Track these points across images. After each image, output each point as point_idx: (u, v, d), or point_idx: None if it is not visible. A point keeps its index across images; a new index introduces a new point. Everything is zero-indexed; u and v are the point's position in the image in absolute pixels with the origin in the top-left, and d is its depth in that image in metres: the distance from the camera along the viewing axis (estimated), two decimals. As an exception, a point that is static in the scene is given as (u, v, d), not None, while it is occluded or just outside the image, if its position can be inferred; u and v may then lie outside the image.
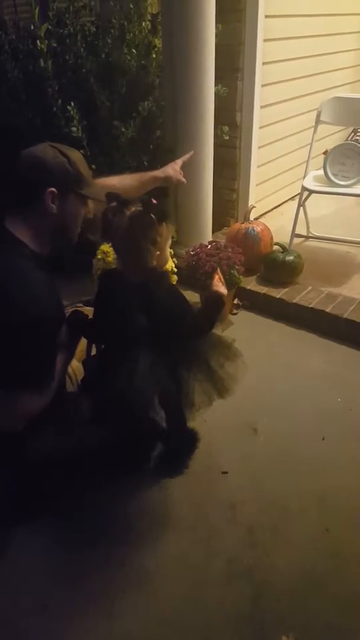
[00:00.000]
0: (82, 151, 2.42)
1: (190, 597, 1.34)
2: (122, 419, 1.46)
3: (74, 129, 2.33)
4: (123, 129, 2.40)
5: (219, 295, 1.42)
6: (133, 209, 1.26)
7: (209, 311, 1.42)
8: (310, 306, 2.40)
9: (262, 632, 1.26)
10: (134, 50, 2.43)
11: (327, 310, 2.36)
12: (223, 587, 1.36)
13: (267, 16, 2.63)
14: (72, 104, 2.29)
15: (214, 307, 1.42)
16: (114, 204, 1.27)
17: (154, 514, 1.56)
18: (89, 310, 1.52)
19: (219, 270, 1.50)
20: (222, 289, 1.44)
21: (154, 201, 1.30)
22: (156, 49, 2.50)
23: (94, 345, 1.52)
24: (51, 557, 1.44)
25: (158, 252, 1.32)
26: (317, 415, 1.91)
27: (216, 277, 1.47)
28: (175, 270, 2.28)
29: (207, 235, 2.79)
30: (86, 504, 1.56)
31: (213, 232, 2.88)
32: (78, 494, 1.50)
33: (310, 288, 2.54)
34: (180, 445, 1.68)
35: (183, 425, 1.52)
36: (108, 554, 1.44)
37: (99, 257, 2.29)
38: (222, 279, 1.48)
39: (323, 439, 1.80)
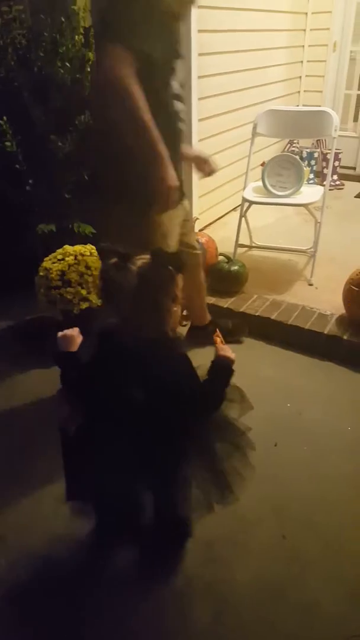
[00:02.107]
0: (18, 166, 2.36)
1: (152, 618, 1.30)
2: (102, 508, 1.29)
3: (7, 143, 2.29)
4: (60, 143, 2.36)
5: (228, 362, 1.19)
6: (139, 262, 1.06)
7: (218, 383, 1.18)
8: (257, 314, 2.45)
9: (225, 649, 1.24)
10: (67, 64, 2.40)
11: (273, 317, 2.41)
12: (185, 606, 1.33)
13: (200, 31, 2.68)
14: (4, 118, 2.25)
15: (224, 377, 1.19)
16: (114, 259, 1.06)
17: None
18: None
19: (219, 332, 1.27)
20: (230, 353, 1.21)
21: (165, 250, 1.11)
22: (90, 63, 2.48)
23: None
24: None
25: (175, 308, 1.13)
26: (269, 421, 1.93)
27: (217, 340, 1.28)
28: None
29: (152, 247, 2.78)
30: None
31: (158, 244, 2.87)
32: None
33: (255, 296, 2.58)
34: (167, 539, 1.44)
35: (174, 518, 1.34)
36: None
37: (41, 274, 2.22)
38: (223, 341, 1.25)
39: (275, 445, 1.82)
